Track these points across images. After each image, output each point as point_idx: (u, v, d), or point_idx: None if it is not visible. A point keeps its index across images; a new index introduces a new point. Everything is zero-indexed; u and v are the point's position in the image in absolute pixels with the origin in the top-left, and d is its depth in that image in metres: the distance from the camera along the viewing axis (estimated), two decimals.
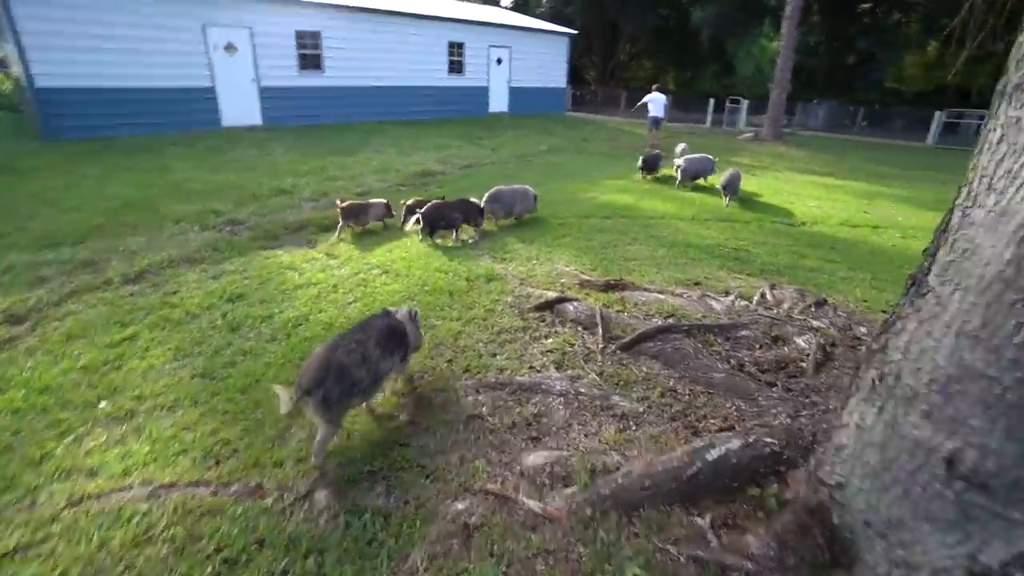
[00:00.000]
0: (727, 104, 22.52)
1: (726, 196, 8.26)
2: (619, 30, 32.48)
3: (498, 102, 19.95)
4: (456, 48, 17.97)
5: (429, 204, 5.88)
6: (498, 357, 3.37)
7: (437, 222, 5.75)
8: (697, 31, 27.64)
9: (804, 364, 2.69)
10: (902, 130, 26.44)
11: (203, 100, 12.55)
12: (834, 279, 5.06)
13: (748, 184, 10.00)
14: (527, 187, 6.83)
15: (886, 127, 27.15)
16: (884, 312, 3.95)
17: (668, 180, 9.77)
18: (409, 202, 6.47)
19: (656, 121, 14.23)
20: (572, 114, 23.92)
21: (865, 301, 4.49)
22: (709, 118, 22.16)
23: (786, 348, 2.89)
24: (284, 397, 2.30)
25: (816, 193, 9.54)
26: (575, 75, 29.75)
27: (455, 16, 17.92)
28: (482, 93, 19.32)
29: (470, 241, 5.97)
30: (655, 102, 14.02)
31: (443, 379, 3.13)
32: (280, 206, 7.32)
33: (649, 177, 10.12)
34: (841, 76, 28.64)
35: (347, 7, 14.47)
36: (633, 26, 30.96)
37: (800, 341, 2.93)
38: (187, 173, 8.79)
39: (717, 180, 8.92)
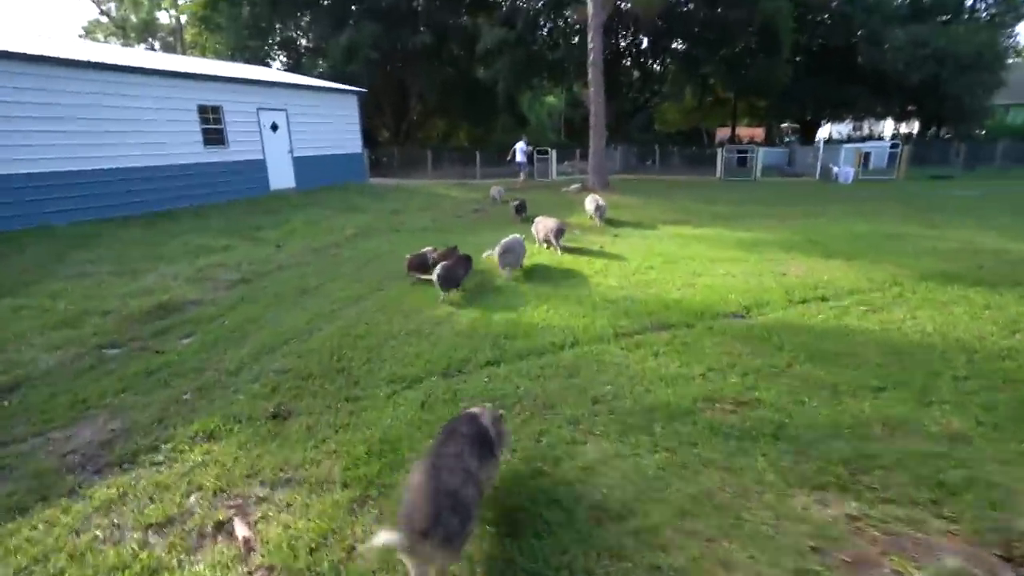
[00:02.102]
0: (535, 156, 21.84)
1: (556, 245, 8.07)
2: (407, 88, 30.85)
3: (281, 177, 16.04)
4: (211, 113, 13.81)
5: (440, 266, 5.79)
6: None
7: (451, 282, 5.73)
8: (487, 86, 27.18)
9: None
10: (680, 166, 29.15)
11: None
12: (945, 458, 2.84)
13: (629, 249, 8.12)
14: (518, 236, 6.87)
15: (667, 165, 29.65)
16: None
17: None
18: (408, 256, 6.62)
19: (520, 165, 19.06)
20: (375, 181, 20.98)
21: None
22: (523, 171, 21.12)
23: None
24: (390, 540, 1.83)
25: (703, 252, 7.96)
26: (367, 137, 26.98)
27: (202, 72, 13.82)
28: (257, 168, 15.25)
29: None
30: (518, 150, 19.06)
31: None
32: None
33: (521, 218, 11.06)
34: (622, 121, 30.77)
35: (12, 55, 9.60)
36: (420, 84, 29.56)
37: None
38: None
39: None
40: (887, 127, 45.23)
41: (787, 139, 39.53)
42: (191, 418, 3.55)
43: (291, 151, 16.39)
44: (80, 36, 44.75)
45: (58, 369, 4.38)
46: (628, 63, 28.40)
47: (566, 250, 8.14)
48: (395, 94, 31.05)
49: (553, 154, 21.53)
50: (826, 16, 23.77)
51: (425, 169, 24.48)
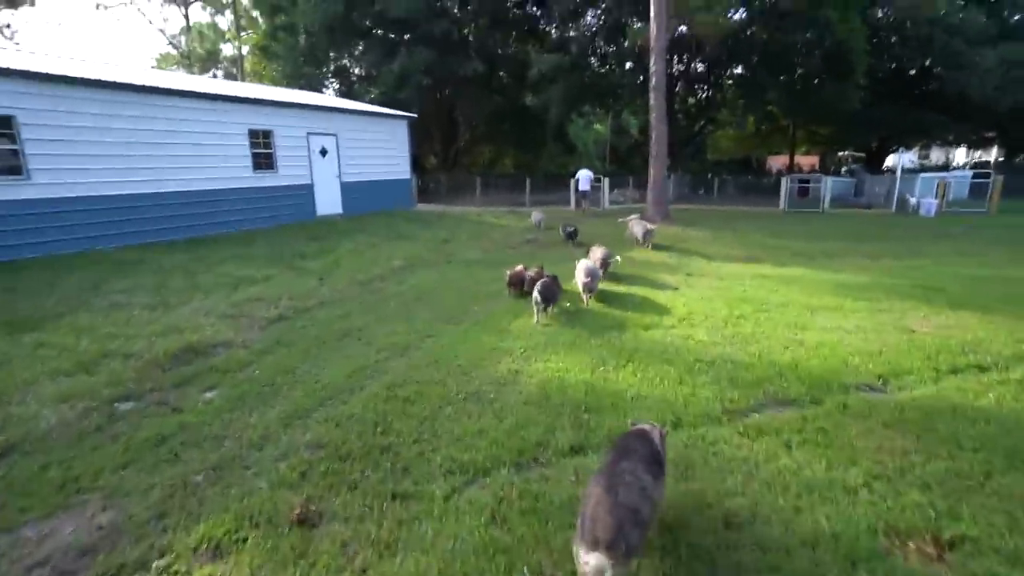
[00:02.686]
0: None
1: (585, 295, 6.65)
2: (456, 115, 30.84)
3: (328, 202, 15.78)
4: (262, 137, 13.68)
5: (540, 282, 5.88)
6: None
7: (551, 300, 5.79)
8: (536, 113, 26.77)
9: None
10: (735, 196, 27.67)
11: None
12: None
13: (708, 292, 7.05)
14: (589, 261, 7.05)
15: (722, 194, 28.27)
16: None
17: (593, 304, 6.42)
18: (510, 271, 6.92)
19: (584, 193, 18.74)
20: (422, 207, 20.61)
21: None
22: (573, 199, 20.36)
23: None
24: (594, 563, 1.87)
25: (796, 298, 6.86)
26: (415, 163, 26.90)
27: (253, 96, 13.75)
28: (305, 192, 15.03)
29: None
30: (583, 178, 18.68)
31: None
32: None
33: (573, 244, 11.14)
34: (675, 149, 29.73)
35: (59, 79, 9.54)
36: (470, 111, 29.47)
37: None
38: None
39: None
40: (958, 155, 42.48)
41: (846, 168, 37.48)
42: (198, 515, 2.79)
43: (339, 176, 16.15)
44: (152, 67, 47.40)
45: (60, 429, 3.74)
46: (680, 89, 27.45)
47: (638, 285, 7.22)
48: (444, 120, 31.08)
49: (606, 182, 20.70)
50: (897, 39, 22.27)
51: (473, 195, 24.04)
